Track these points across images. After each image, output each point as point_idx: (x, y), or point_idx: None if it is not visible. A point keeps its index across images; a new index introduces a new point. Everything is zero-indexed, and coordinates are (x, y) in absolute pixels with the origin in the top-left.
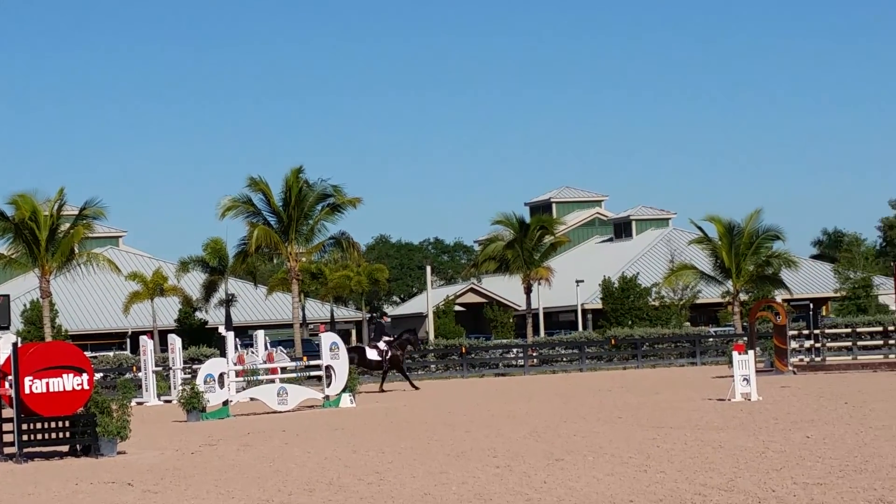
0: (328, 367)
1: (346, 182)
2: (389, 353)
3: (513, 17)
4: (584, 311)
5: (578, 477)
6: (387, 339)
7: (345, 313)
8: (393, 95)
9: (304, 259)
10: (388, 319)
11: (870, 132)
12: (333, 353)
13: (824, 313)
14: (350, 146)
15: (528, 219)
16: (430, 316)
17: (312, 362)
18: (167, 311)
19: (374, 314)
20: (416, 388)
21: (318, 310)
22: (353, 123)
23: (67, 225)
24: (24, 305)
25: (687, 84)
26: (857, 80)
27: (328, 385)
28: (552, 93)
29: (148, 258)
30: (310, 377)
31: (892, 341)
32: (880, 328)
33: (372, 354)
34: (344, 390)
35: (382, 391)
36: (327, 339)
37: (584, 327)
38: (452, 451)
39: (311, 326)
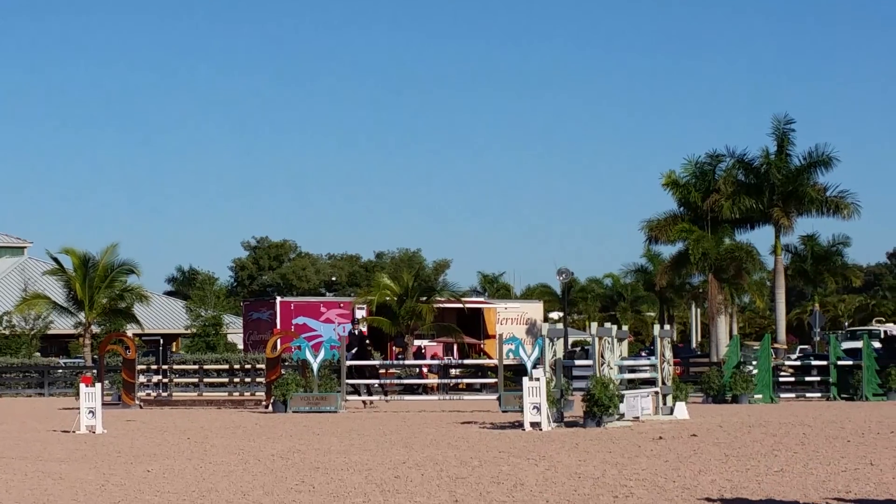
0: None
1: None
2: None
3: None
4: None
5: None
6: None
7: None
8: None
9: None
10: (358, 331)
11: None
12: None
13: (174, 349)
14: None
15: None
16: None
17: None
18: None
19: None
20: (370, 404)
21: None
22: None
23: None
24: None
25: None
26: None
27: None
28: None
29: None
30: None
31: (237, 379)
32: (227, 366)
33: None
34: None
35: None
36: None
37: None
38: None
39: None
